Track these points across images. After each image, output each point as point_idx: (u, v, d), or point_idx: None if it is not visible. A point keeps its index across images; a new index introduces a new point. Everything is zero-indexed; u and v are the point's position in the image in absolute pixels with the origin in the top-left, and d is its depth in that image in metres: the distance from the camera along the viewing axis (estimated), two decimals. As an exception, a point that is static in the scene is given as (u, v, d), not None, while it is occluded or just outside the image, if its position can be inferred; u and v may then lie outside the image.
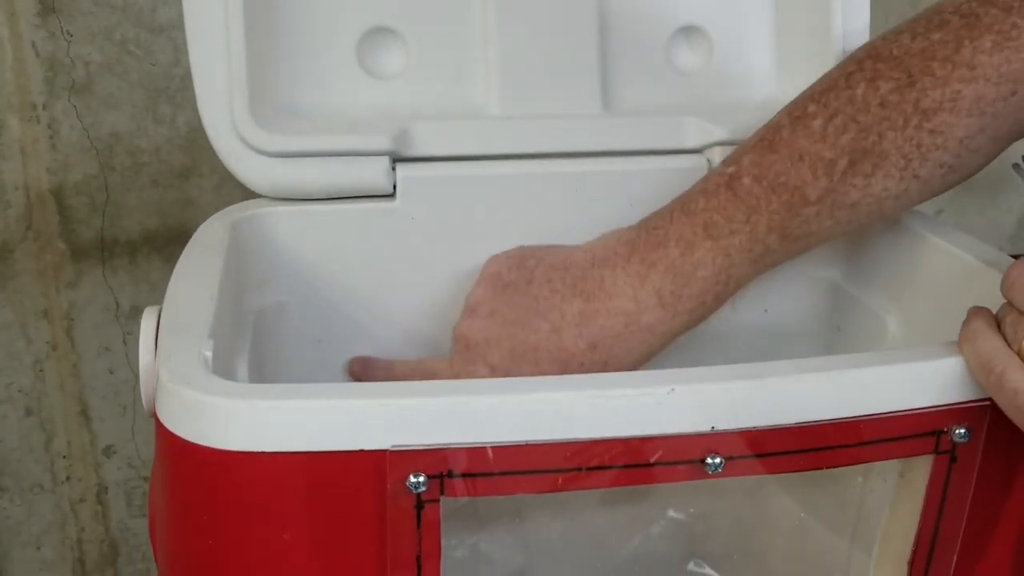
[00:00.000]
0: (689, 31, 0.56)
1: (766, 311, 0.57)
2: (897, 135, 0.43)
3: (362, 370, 0.53)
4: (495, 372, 0.48)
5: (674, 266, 0.46)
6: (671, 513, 0.52)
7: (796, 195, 0.44)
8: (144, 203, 0.79)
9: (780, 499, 0.53)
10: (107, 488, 0.86)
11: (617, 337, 0.47)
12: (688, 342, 0.55)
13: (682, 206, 0.48)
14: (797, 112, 0.46)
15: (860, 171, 0.43)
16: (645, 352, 0.48)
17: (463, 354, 0.50)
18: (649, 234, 0.48)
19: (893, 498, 0.39)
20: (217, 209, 0.51)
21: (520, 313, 0.49)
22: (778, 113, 0.47)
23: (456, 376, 0.49)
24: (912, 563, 0.39)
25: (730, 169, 0.47)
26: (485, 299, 0.50)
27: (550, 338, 0.48)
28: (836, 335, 0.56)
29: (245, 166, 0.50)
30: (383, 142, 0.51)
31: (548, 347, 0.48)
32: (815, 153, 0.44)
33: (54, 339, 0.80)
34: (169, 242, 0.80)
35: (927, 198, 0.46)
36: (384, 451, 0.33)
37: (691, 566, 0.52)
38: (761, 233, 0.45)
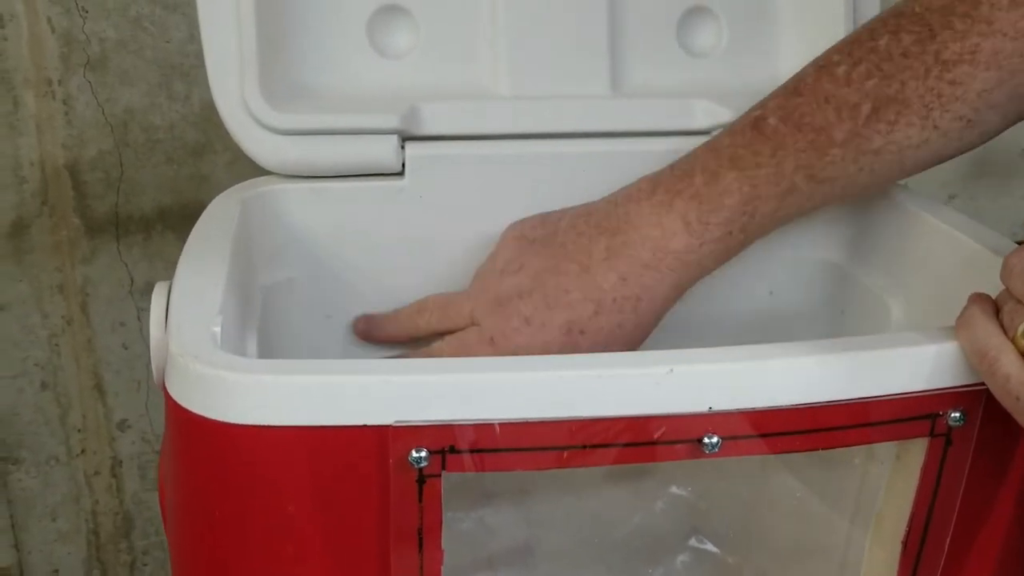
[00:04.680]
0: (699, 12, 0.56)
1: (771, 293, 0.57)
2: (919, 84, 0.44)
3: (367, 327, 0.54)
4: (530, 324, 0.48)
5: (699, 193, 0.46)
6: (674, 489, 0.53)
7: (822, 135, 0.45)
8: (158, 179, 0.80)
9: (781, 477, 0.54)
10: (121, 461, 0.87)
11: (646, 266, 0.47)
12: (693, 323, 0.55)
13: (706, 145, 0.48)
14: (822, 62, 0.47)
15: (883, 117, 0.44)
16: (675, 283, 0.48)
17: (496, 312, 0.49)
18: (673, 170, 0.49)
19: (888, 479, 0.40)
20: (230, 186, 0.52)
21: (549, 262, 0.49)
22: (803, 67, 0.48)
23: (491, 337, 0.49)
24: (906, 543, 0.39)
25: (755, 112, 0.47)
26: (512, 257, 0.51)
27: (581, 278, 0.48)
28: (840, 318, 0.56)
29: (255, 143, 0.51)
30: (392, 120, 0.51)
31: (580, 287, 0.48)
32: (840, 97, 0.45)
33: (69, 314, 0.81)
34: (183, 218, 0.81)
35: (946, 156, 0.46)
36: (387, 426, 0.34)
37: (693, 542, 0.52)
38: (788, 170, 0.46)
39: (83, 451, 0.86)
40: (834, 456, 0.43)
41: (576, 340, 0.47)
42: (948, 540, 0.40)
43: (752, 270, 0.56)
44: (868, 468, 0.43)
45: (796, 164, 0.46)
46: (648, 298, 0.47)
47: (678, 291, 0.48)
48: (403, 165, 0.52)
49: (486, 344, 0.49)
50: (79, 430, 0.85)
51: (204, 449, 0.36)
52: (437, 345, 0.52)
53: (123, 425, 0.86)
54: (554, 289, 0.48)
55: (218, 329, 0.37)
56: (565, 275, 0.48)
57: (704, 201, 0.46)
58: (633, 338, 0.48)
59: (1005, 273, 0.36)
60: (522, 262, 0.50)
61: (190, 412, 0.35)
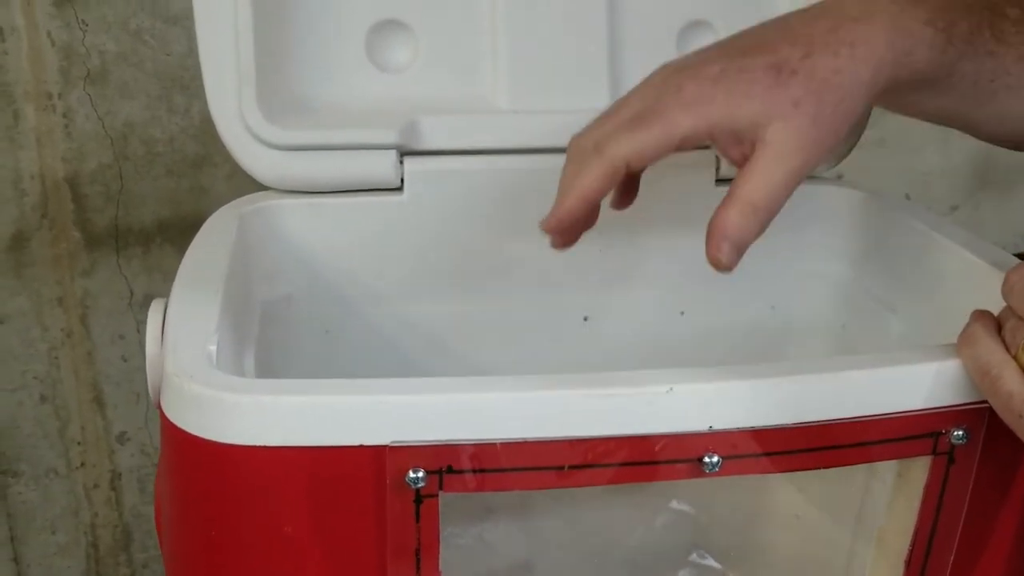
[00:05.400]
0: (698, 25, 0.56)
1: (773, 308, 0.57)
2: None
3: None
4: (725, 74, 0.40)
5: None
6: (675, 505, 0.53)
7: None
8: (158, 192, 0.80)
9: (783, 492, 0.53)
10: (120, 474, 0.87)
11: (856, 20, 0.41)
12: (694, 338, 0.55)
13: None
14: None
15: None
16: (888, 41, 0.41)
17: (656, 87, 0.42)
18: None
19: (891, 497, 0.40)
20: (230, 198, 0.52)
21: (728, 42, 0.43)
22: None
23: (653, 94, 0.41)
24: (909, 562, 0.39)
25: None
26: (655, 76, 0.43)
27: (780, 30, 0.41)
28: (842, 333, 0.56)
29: (253, 159, 0.51)
30: (391, 135, 0.51)
31: (781, 34, 0.41)
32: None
33: (69, 326, 0.81)
34: (183, 231, 0.81)
35: None
36: (384, 446, 0.34)
37: (694, 557, 0.52)
38: (977, 6, 0.43)
39: (82, 464, 0.86)
40: (836, 472, 0.43)
41: (786, 82, 0.40)
42: (952, 559, 0.39)
43: (754, 285, 0.56)
44: (870, 485, 0.43)
45: (981, 14, 0.43)
46: (865, 46, 0.40)
47: (893, 51, 0.41)
48: (402, 180, 0.52)
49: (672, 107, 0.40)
50: (78, 443, 0.85)
51: (200, 469, 0.35)
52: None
53: (122, 438, 0.86)
54: (748, 39, 0.42)
55: (214, 348, 0.37)
56: (759, 31, 0.42)
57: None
58: (849, 99, 0.40)
59: (1006, 290, 0.36)
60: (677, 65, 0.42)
61: (185, 432, 0.35)
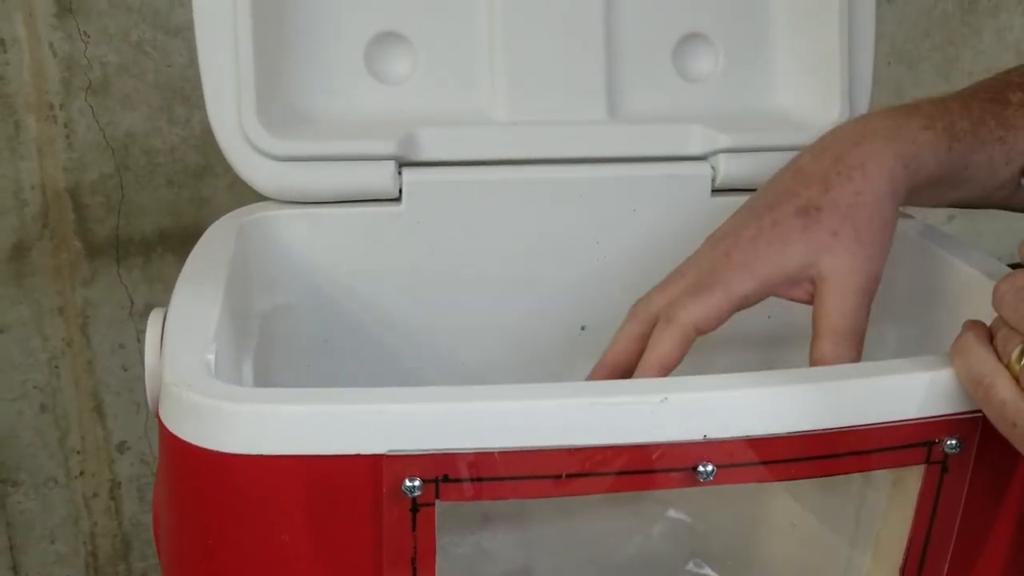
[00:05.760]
0: (695, 38, 0.57)
1: (769, 317, 0.57)
2: None
3: None
4: (760, 232, 0.44)
5: (892, 113, 0.45)
6: (672, 513, 0.53)
7: (1000, 100, 0.47)
8: (159, 202, 0.80)
9: (780, 501, 0.54)
10: (120, 484, 0.87)
11: (857, 144, 0.44)
12: (691, 348, 0.55)
13: None
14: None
15: None
16: (895, 152, 0.44)
17: (706, 257, 0.45)
18: None
19: (886, 506, 0.40)
20: (231, 209, 0.52)
21: (743, 210, 0.46)
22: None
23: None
24: (903, 571, 0.39)
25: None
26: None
27: (793, 179, 0.45)
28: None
29: (253, 169, 0.51)
30: (389, 147, 0.51)
31: (796, 182, 0.44)
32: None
33: (69, 336, 0.81)
34: (183, 241, 0.81)
35: None
36: (380, 455, 0.34)
37: (691, 566, 0.52)
38: (975, 108, 0.46)
39: (82, 473, 0.86)
40: (832, 481, 0.43)
41: (816, 219, 0.43)
42: (946, 567, 0.40)
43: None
44: (866, 494, 0.43)
45: (982, 107, 0.46)
46: (874, 163, 0.43)
47: (900, 160, 0.44)
48: (400, 191, 0.52)
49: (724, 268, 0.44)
50: (78, 452, 0.85)
51: (197, 478, 0.36)
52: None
53: (122, 447, 0.86)
54: (770, 193, 0.45)
55: (212, 357, 0.37)
56: (777, 182, 0.45)
57: (899, 112, 0.45)
58: (879, 213, 0.43)
59: (996, 299, 0.36)
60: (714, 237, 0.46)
61: (183, 441, 0.35)
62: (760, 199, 0.45)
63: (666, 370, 0.43)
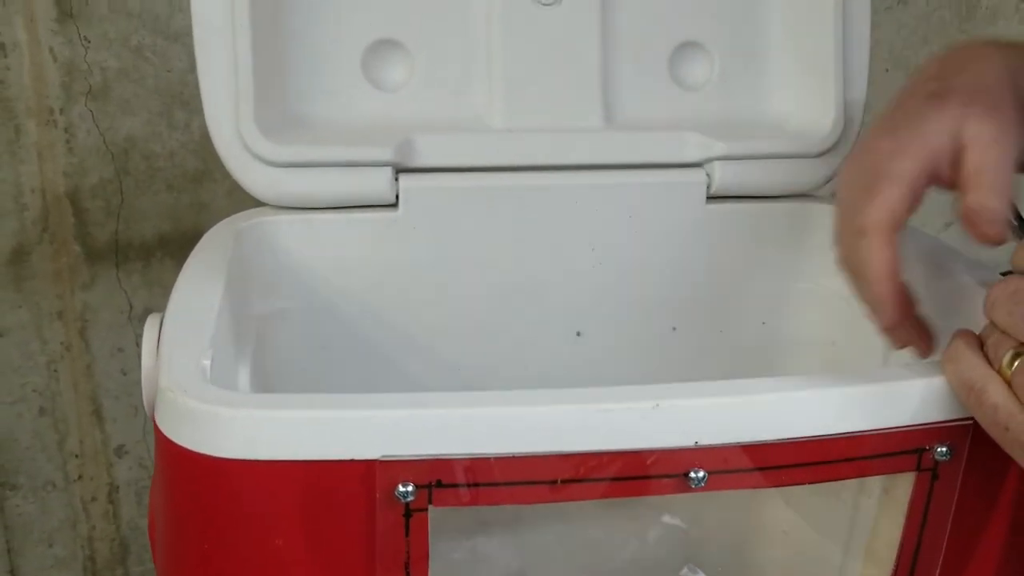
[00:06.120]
0: (691, 46, 0.57)
1: (764, 324, 0.57)
2: None
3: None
4: (896, 126, 0.44)
5: None
6: (667, 519, 0.53)
7: None
8: (158, 207, 0.81)
9: (774, 508, 0.54)
10: (118, 487, 0.87)
11: (967, 46, 0.46)
12: (684, 353, 0.55)
13: None
14: None
15: None
16: (1003, 53, 0.45)
17: (858, 162, 0.46)
18: None
19: (877, 512, 0.40)
20: (230, 214, 0.53)
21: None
22: None
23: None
24: (895, 577, 0.40)
25: None
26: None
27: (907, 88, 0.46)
28: (832, 350, 0.56)
29: (250, 175, 0.51)
30: (386, 153, 0.52)
31: (909, 86, 0.46)
32: None
33: (68, 340, 0.82)
34: (182, 246, 0.82)
35: None
36: (374, 461, 0.34)
37: (685, 571, 0.52)
38: None
39: (80, 477, 0.86)
40: (825, 488, 0.43)
41: (948, 98, 0.44)
42: (937, 573, 0.40)
43: (744, 301, 0.56)
44: (858, 501, 0.43)
45: None
46: (984, 57, 0.45)
47: (1012, 56, 0.45)
48: (397, 197, 0.53)
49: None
50: (77, 456, 0.85)
51: (192, 483, 0.36)
52: None
53: (121, 451, 0.86)
54: (896, 99, 0.46)
55: (208, 362, 0.37)
56: (901, 92, 0.46)
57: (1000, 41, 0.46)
58: (1009, 90, 0.44)
59: (988, 305, 0.37)
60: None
61: (179, 446, 0.35)
62: (889, 106, 0.46)
63: (896, 275, 0.43)
